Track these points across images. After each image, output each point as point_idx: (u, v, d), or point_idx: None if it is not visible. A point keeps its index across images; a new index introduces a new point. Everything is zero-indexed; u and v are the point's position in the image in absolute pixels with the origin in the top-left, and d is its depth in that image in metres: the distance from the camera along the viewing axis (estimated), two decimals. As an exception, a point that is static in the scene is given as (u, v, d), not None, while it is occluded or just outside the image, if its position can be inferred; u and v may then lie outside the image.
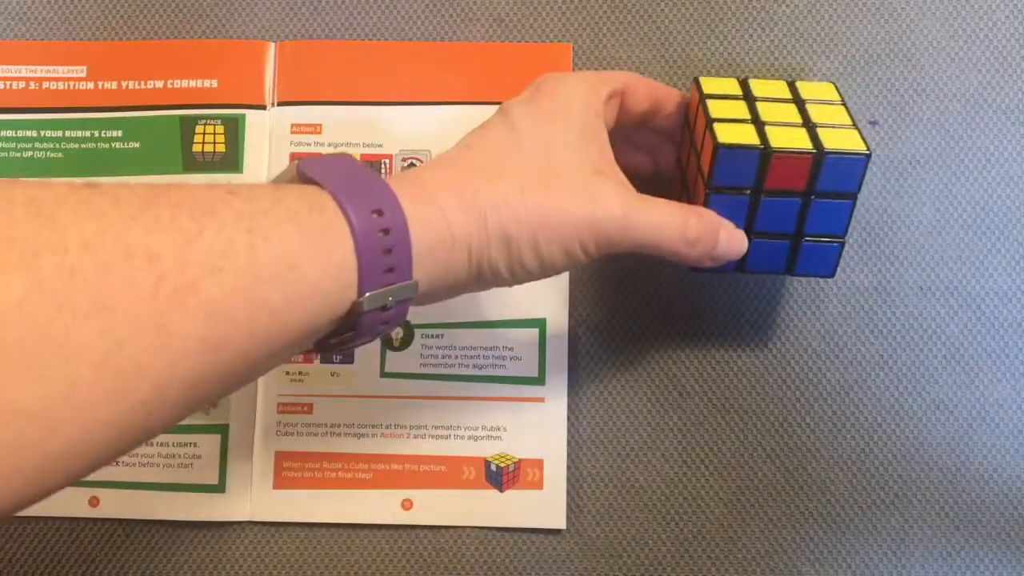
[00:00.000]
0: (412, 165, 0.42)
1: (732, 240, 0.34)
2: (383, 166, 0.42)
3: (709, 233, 0.33)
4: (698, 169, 0.35)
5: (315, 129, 0.42)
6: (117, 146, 0.43)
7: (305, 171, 0.28)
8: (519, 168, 0.30)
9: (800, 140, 0.33)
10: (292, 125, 0.43)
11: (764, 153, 0.33)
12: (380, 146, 0.42)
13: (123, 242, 0.22)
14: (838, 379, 0.41)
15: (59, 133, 0.43)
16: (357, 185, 0.27)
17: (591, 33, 0.43)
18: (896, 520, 0.40)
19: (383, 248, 0.27)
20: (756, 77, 0.37)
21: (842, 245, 0.35)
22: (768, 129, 0.33)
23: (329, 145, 0.42)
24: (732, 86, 0.36)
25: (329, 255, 0.26)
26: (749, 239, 0.34)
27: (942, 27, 0.42)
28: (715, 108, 0.34)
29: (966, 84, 0.42)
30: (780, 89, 0.36)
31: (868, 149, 0.33)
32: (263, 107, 0.43)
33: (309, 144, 0.42)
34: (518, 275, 0.31)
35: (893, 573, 0.40)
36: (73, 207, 0.22)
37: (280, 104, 0.43)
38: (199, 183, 0.26)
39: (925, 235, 0.41)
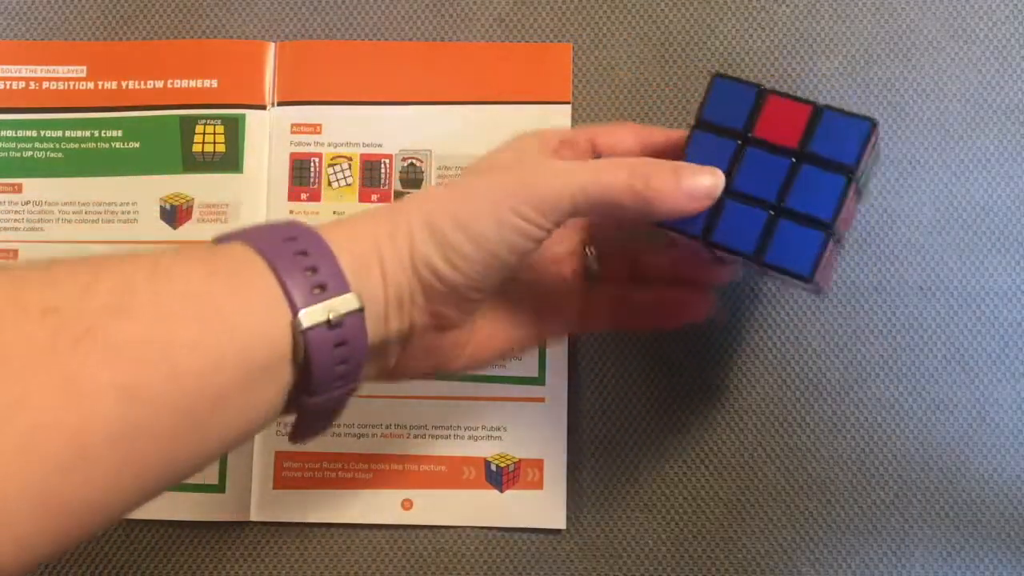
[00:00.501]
0: (412, 165, 0.42)
1: (699, 170, 0.30)
2: (383, 166, 0.42)
3: (666, 167, 0.29)
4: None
5: (315, 129, 0.42)
6: (117, 146, 0.43)
7: (217, 239, 0.27)
8: (449, 184, 0.31)
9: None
10: (292, 125, 0.43)
11: (761, 92, 0.30)
12: (380, 146, 0.42)
13: (16, 301, 0.21)
14: (838, 379, 0.41)
15: (59, 133, 0.43)
16: (266, 227, 0.27)
17: (591, 33, 0.43)
18: (896, 520, 0.40)
19: (304, 267, 0.26)
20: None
21: (826, 238, 0.30)
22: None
23: (329, 145, 0.42)
24: None
25: (243, 283, 0.25)
26: (725, 200, 0.30)
27: (942, 27, 0.42)
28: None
29: (966, 84, 0.42)
30: None
31: (874, 119, 0.29)
32: (263, 107, 0.43)
33: (309, 144, 0.42)
34: (458, 264, 0.28)
35: (893, 573, 0.40)
36: None
37: (280, 104, 0.43)
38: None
39: (925, 235, 0.41)
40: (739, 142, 0.31)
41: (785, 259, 0.30)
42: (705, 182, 0.30)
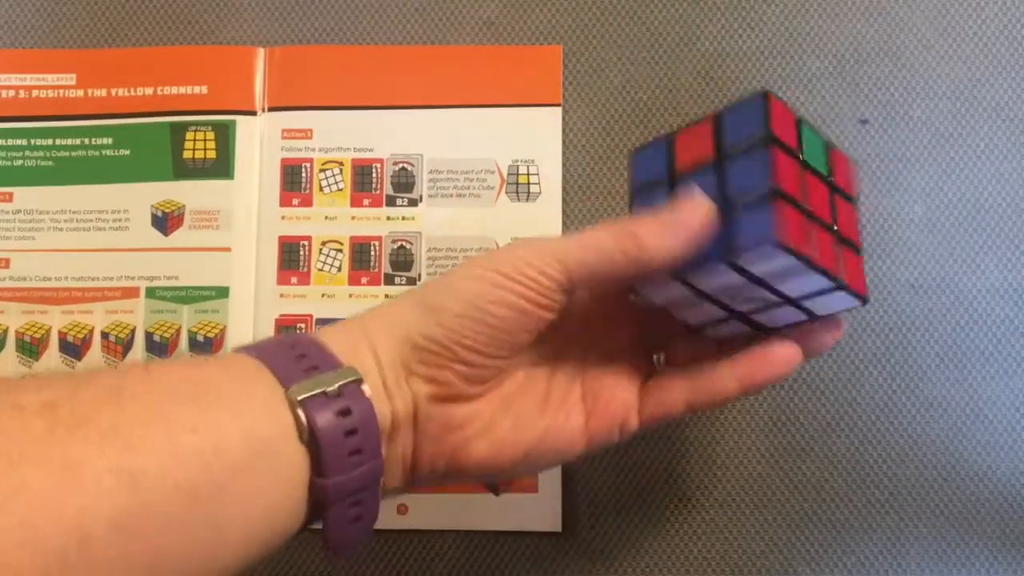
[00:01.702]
0: (403, 169, 0.42)
1: (681, 209, 0.27)
2: (374, 171, 0.42)
3: (649, 221, 0.28)
4: None
5: (306, 134, 0.42)
6: (107, 153, 0.43)
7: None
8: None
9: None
10: (283, 130, 0.42)
11: (670, 139, 0.30)
12: (371, 150, 0.42)
13: (13, 402, 0.21)
14: (831, 378, 0.41)
15: (49, 141, 0.43)
16: (257, 342, 0.28)
17: (581, 35, 0.43)
18: (891, 518, 0.40)
19: (294, 356, 0.26)
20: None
21: (774, 195, 0.26)
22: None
23: (320, 150, 0.42)
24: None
25: (236, 371, 0.26)
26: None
27: (931, 25, 0.43)
28: None
29: (956, 82, 0.42)
30: None
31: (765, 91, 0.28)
32: (253, 113, 0.43)
33: (300, 149, 0.42)
34: (443, 320, 0.27)
35: (888, 571, 0.40)
36: None
37: (271, 110, 0.43)
38: None
39: (916, 233, 0.41)
40: (670, 184, 0.29)
41: (750, 240, 0.27)
42: (694, 220, 0.27)
